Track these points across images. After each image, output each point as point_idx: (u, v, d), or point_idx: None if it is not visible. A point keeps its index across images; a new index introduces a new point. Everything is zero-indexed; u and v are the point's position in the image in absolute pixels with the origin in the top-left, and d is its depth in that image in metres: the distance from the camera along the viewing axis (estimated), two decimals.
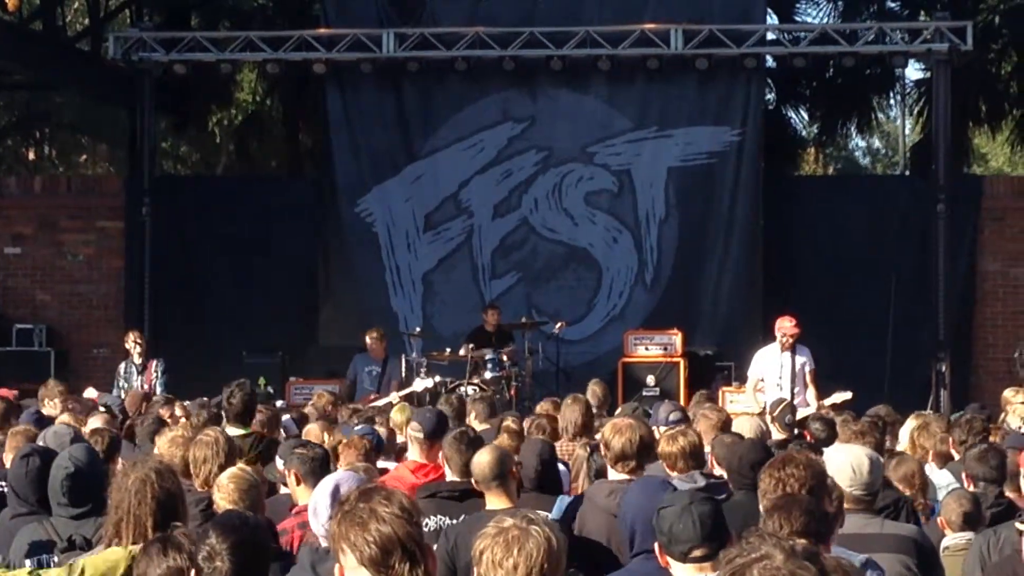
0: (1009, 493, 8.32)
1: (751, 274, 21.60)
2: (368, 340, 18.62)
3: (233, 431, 9.62)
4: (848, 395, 15.26)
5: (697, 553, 5.19)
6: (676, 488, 6.16)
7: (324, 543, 5.80)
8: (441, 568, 6.81)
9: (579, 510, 7.52)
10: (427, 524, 7.77)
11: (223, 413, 10.46)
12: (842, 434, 10.12)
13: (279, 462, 8.78)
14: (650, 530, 5.65)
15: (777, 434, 11.66)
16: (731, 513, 7.00)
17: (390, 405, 15.12)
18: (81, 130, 34.36)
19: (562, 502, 7.89)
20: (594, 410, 12.73)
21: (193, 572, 4.79)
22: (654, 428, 9.54)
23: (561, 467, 9.02)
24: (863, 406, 13.34)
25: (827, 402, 15.27)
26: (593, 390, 13.84)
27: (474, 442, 8.04)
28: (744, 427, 10.19)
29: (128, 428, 11.74)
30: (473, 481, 7.45)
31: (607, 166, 21.87)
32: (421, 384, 17.40)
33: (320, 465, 7.83)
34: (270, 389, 18.42)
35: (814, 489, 6.06)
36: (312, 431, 10.65)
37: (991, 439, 10.40)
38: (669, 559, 5.30)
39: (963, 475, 8.60)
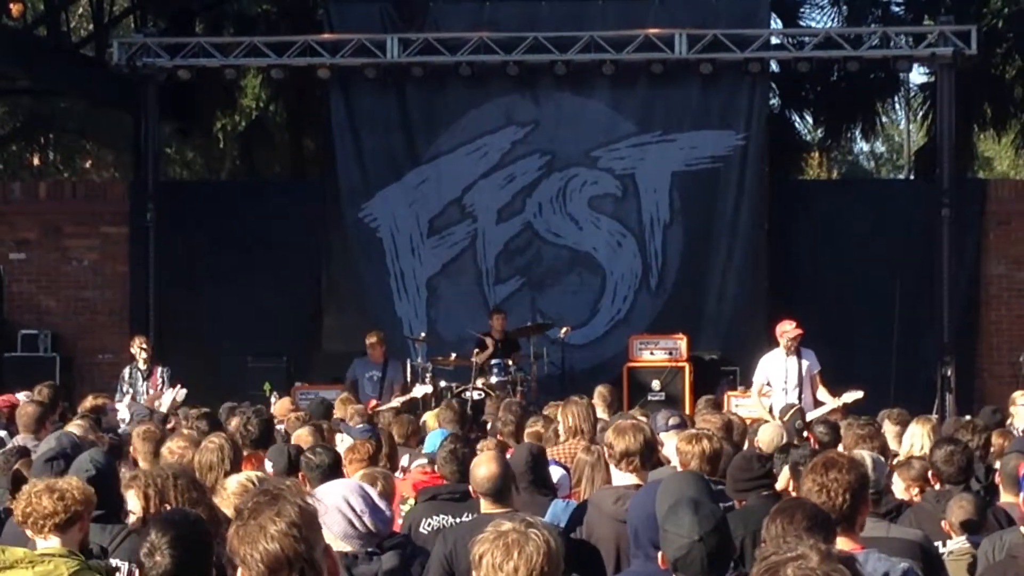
0: (1008, 498, 8.31)
1: (756, 278, 21.58)
2: (368, 344, 18.62)
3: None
4: (859, 394, 15.25)
5: None
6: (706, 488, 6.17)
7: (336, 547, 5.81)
8: (439, 571, 6.81)
9: (586, 517, 7.50)
10: (429, 524, 7.80)
11: (239, 440, 10.20)
12: (847, 438, 10.10)
13: (267, 464, 8.84)
14: (652, 530, 5.67)
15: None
16: (746, 518, 7.01)
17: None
18: (85, 135, 34.39)
19: (555, 506, 7.87)
20: (604, 412, 12.71)
21: (138, 572, 4.80)
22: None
23: (562, 470, 9.01)
24: (868, 410, 13.34)
25: (838, 401, 15.25)
26: (600, 392, 13.81)
27: (465, 457, 8.08)
28: (766, 435, 10.21)
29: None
30: (471, 489, 7.43)
31: (611, 170, 21.86)
32: (421, 390, 17.46)
33: (326, 472, 7.84)
34: (276, 394, 18.42)
35: (857, 493, 6.07)
36: (302, 435, 10.60)
37: (998, 442, 10.40)
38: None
39: (929, 474, 8.62)
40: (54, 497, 6.11)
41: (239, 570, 3.92)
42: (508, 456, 8.25)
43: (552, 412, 12.24)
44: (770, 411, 15.10)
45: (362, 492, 6.04)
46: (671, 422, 9.81)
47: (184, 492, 6.09)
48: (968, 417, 13.26)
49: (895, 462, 10.18)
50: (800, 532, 5.38)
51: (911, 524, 7.88)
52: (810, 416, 14.41)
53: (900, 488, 8.77)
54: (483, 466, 7.34)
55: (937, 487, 8.41)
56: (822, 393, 15.68)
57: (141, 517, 6.13)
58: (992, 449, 10.20)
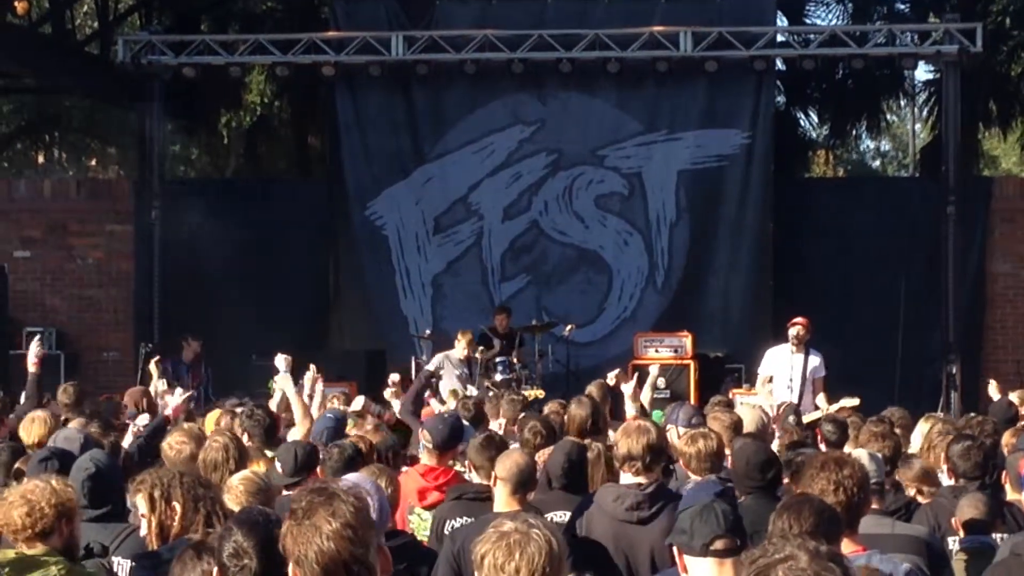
0: (1014, 495, 8.28)
1: (761, 276, 21.58)
2: (465, 341, 17.72)
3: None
4: (856, 401, 15.16)
5: (719, 545, 5.03)
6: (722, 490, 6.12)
7: None
8: (447, 570, 6.78)
9: (587, 513, 7.47)
10: (452, 525, 7.76)
11: (247, 432, 9.80)
12: (862, 435, 10.06)
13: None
14: None
15: (778, 432, 11.62)
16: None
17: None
18: (90, 133, 34.37)
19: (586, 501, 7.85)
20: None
21: (216, 571, 4.78)
22: (672, 427, 9.47)
23: None
24: (873, 408, 13.27)
25: (834, 407, 15.17)
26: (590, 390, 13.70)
27: (500, 446, 8.11)
28: (744, 416, 10.19)
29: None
30: (497, 478, 7.34)
31: (617, 169, 21.86)
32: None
33: (341, 465, 7.83)
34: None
35: (866, 489, 6.14)
36: (294, 434, 10.56)
37: (1012, 439, 10.34)
38: (688, 557, 5.17)
39: (946, 468, 8.59)
40: (23, 512, 6.04)
41: (290, 568, 3.88)
42: (544, 453, 8.41)
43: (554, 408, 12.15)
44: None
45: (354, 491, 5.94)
46: (693, 421, 9.77)
47: (190, 490, 6.07)
48: (973, 414, 13.20)
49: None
50: (807, 529, 5.35)
51: (928, 520, 7.86)
52: (805, 419, 14.32)
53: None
54: (515, 455, 7.39)
55: (953, 482, 8.38)
56: (820, 399, 15.61)
57: (150, 520, 6.09)
58: (1006, 448, 10.13)
